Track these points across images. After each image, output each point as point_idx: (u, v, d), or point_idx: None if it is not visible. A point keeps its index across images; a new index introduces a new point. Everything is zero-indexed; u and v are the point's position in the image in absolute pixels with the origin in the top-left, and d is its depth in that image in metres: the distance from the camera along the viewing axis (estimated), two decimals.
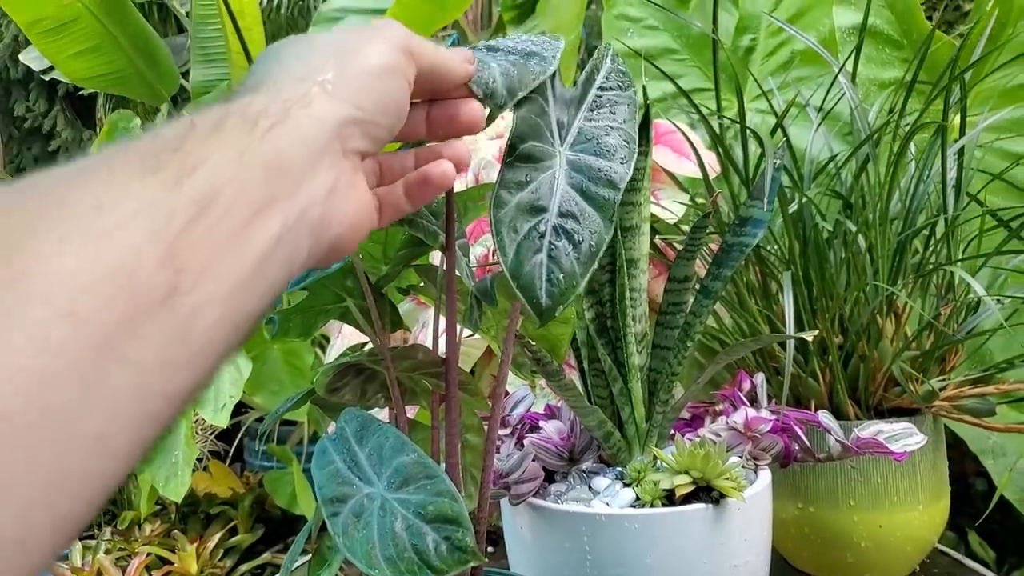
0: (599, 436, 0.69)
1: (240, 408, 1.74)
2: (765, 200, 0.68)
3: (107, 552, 1.30)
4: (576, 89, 0.59)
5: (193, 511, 1.72)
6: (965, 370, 0.86)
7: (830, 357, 0.81)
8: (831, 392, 0.83)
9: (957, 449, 1.04)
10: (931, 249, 0.82)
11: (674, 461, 0.65)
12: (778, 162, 0.71)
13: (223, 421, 1.43)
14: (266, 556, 1.59)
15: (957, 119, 0.82)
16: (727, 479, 0.63)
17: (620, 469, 0.70)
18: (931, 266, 0.81)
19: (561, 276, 0.43)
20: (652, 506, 0.64)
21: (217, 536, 1.45)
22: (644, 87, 0.75)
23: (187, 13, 1.87)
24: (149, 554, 1.33)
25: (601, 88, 0.58)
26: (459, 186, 1.07)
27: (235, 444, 1.90)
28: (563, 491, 0.68)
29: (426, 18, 1.35)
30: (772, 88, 0.92)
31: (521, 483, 0.65)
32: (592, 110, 0.57)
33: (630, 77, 0.61)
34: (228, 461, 1.89)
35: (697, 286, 0.71)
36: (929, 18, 0.99)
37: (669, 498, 0.64)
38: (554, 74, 0.61)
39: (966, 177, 0.81)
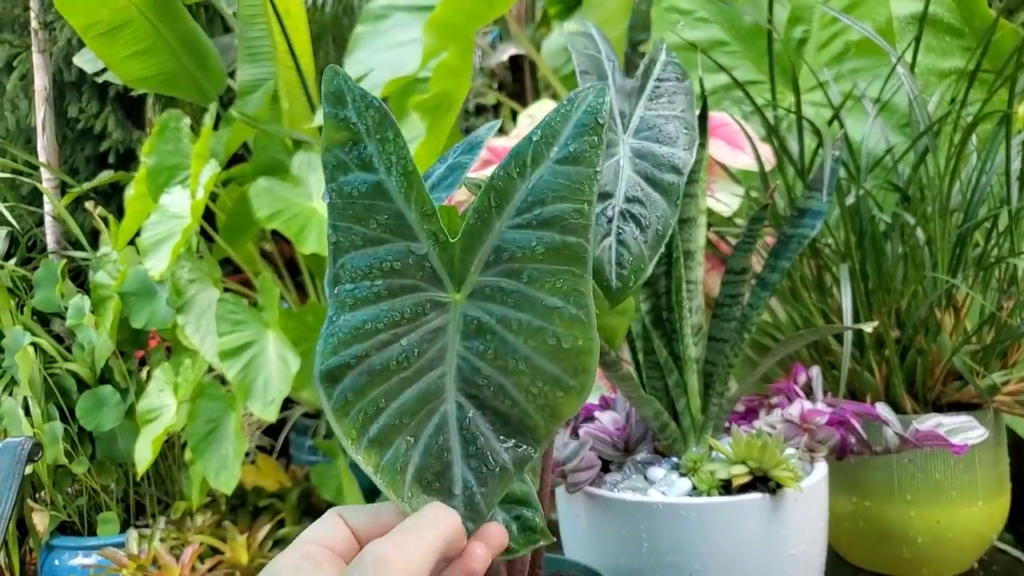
0: (655, 427, 0.69)
1: (286, 404, 1.76)
2: (824, 191, 0.68)
3: (162, 541, 1.33)
4: (636, 80, 0.59)
5: (241, 504, 1.74)
6: None
7: (887, 351, 0.80)
8: (888, 386, 0.82)
9: (1019, 449, 1.02)
10: (993, 242, 0.80)
11: (731, 451, 0.65)
12: (836, 153, 0.70)
13: (272, 415, 1.44)
14: None
15: (1022, 109, 0.80)
16: (784, 469, 0.63)
17: (675, 460, 0.70)
18: (993, 259, 0.80)
19: (630, 259, 0.43)
20: (709, 496, 0.63)
21: (266, 528, 1.47)
22: (700, 79, 0.74)
23: (233, 13, 1.90)
24: (201, 544, 1.35)
25: (659, 79, 0.58)
26: None
27: (281, 439, 1.92)
28: (619, 480, 0.68)
29: (474, 14, 1.35)
30: (828, 79, 0.91)
31: (578, 472, 0.65)
32: (652, 100, 0.57)
33: (684, 69, 0.61)
34: (275, 456, 1.92)
35: (753, 279, 0.71)
36: (991, 5, 0.97)
37: (725, 488, 0.64)
38: (614, 65, 0.61)
39: None
